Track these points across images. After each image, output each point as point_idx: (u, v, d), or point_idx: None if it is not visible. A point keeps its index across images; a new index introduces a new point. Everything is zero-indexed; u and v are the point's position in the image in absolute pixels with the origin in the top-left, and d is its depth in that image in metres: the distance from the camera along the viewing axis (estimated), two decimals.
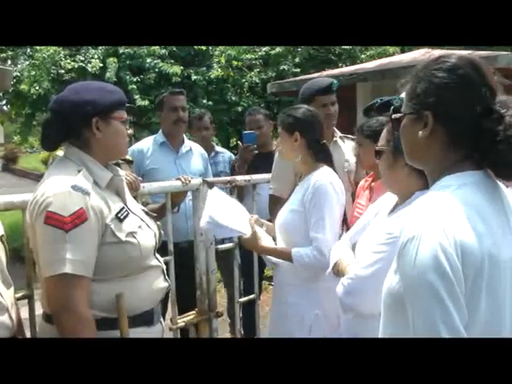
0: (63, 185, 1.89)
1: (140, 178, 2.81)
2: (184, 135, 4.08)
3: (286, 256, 2.66)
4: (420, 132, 1.35)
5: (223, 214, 2.80)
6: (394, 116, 1.49)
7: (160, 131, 4.06)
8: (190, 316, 3.17)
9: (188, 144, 4.05)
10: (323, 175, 2.67)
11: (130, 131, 2.18)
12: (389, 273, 1.34)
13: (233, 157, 4.56)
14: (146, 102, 8.82)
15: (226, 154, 4.57)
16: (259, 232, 2.82)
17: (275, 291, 2.92)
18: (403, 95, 1.46)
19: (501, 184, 1.38)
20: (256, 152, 4.15)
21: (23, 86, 8.70)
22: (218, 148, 4.76)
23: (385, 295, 1.36)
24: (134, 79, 8.98)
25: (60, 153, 2.14)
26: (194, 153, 4.06)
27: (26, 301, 2.41)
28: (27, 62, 9.36)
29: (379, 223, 2.17)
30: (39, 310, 2.01)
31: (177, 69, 8.85)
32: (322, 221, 2.60)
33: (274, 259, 2.80)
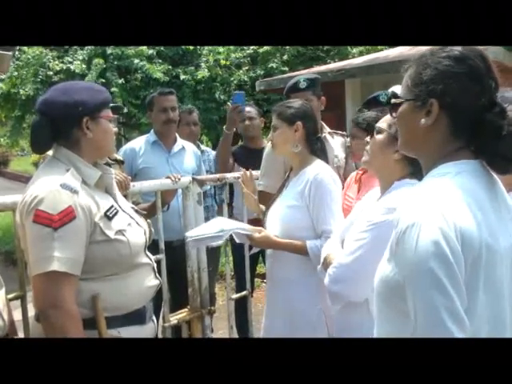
0: (52, 184, 1.90)
1: (129, 177, 2.82)
2: (176, 134, 4.08)
3: (300, 249, 2.63)
4: (422, 120, 1.33)
5: (202, 228, 2.80)
6: (393, 101, 1.45)
7: (152, 130, 4.06)
8: (183, 313, 3.18)
9: (180, 143, 4.05)
10: (321, 168, 2.69)
11: (116, 129, 2.19)
12: (381, 262, 1.34)
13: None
14: (129, 108, 8.79)
15: (211, 153, 4.57)
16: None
17: (271, 287, 2.91)
18: (392, 88, 1.45)
19: (495, 175, 1.38)
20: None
21: (9, 88, 8.67)
22: (203, 147, 4.76)
23: (378, 286, 1.34)
24: (119, 81, 8.95)
25: (49, 153, 2.14)
26: (187, 151, 4.06)
27: (18, 302, 2.42)
28: (14, 64, 9.32)
29: (364, 216, 2.19)
30: (32, 311, 2.02)
31: (160, 74, 8.84)
32: (330, 213, 2.61)
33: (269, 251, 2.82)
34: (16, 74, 8.75)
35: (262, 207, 3.01)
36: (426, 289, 1.16)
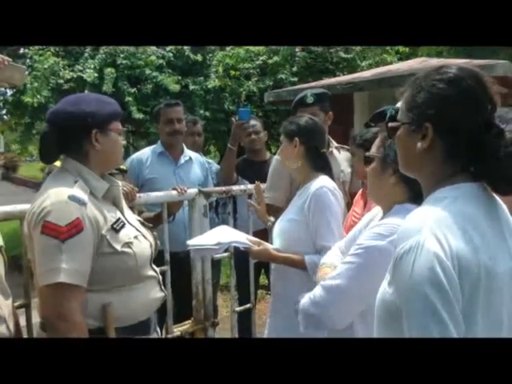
0: (60, 195, 1.92)
1: (136, 189, 2.84)
2: (184, 145, 4.10)
3: (298, 263, 2.63)
4: (418, 143, 1.33)
5: (204, 237, 2.81)
6: (390, 125, 1.45)
7: (159, 141, 4.08)
8: (186, 325, 3.19)
9: (188, 154, 4.07)
10: (322, 183, 2.69)
11: (124, 142, 2.21)
12: (382, 284, 1.33)
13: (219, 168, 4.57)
14: (141, 115, 8.83)
15: (213, 165, 4.58)
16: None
17: (274, 301, 2.91)
18: (399, 104, 1.44)
19: (496, 197, 1.37)
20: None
21: (28, 99, 8.71)
22: (206, 159, 4.77)
23: (378, 309, 1.34)
24: (132, 90, 8.99)
25: (57, 163, 2.15)
26: (194, 162, 4.08)
27: (23, 310, 2.44)
28: (26, 73, 9.39)
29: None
30: (36, 319, 2.03)
31: (174, 85, 8.87)
32: (328, 228, 2.61)
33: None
34: (36, 84, 8.78)
35: (272, 219, 3.02)
36: (421, 315, 1.16)
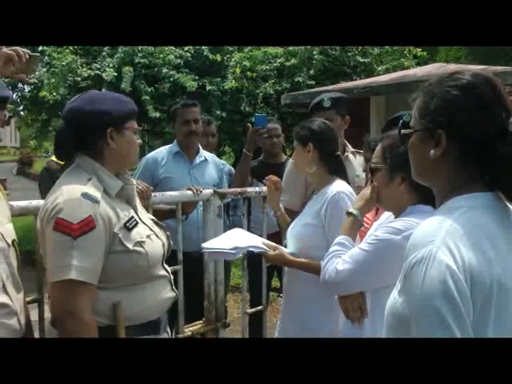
0: (73, 193, 1.92)
1: (151, 188, 2.83)
2: (199, 145, 4.10)
3: (314, 269, 2.56)
4: (432, 151, 1.30)
5: (219, 240, 2.80)
6: (402, 131, 1.43)
7: (175, 141, 4.08)
8: (197, 326, 3.18)
9: (203, 154, 4.07)
10: (339, 188, 2.68)
11: (140, 141, 2.21)
12: (392, 293, 1.31)
13: (232, 170, 4.56)
14: (158, 114, 8.84)
15: (226, 166, 4.58)
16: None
17: (286, 303, 2.91)
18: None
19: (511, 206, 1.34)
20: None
21: (44, 93, 8.77)
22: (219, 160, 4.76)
23: (388, 316, 1.32)
24: (149, 89, 9.01)
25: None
26: (210, 163, 4.08)
27: (35, 305, 2.44)
28: (44, 69, 9.45)
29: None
30: (49, 314, 2.04)
31: (192, 82, 8.87)
32: None
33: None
34: (53, 80, 8.83)
35: (288, 218, 3.01)
36: (431, 327, 1.14)
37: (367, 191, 2.29)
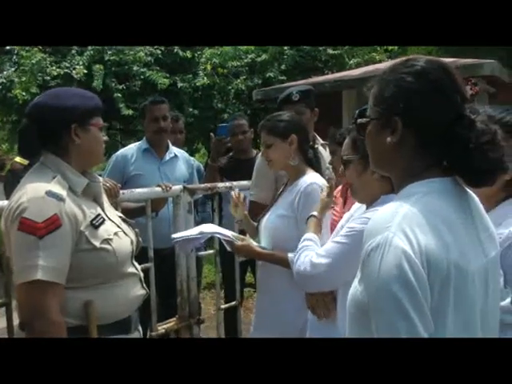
0: (37, 191, 1.89)
1: (119, 185, 2.81)
2: (169, 142, 4.08)
3: (281, 261, 2.56)
4: (388, 138, 1.29)
5: (187, 232, 2.83)
6: (359, 121, 1.42)
7: (144, 138, 4.07)
8: (171, 323, 3.16)
9: (173, 151, 4.06)
10: (312, 179, 2.68)
11: (106, 138, 2.18)
12: (353, 282, 1.30)
13: (201, 166, 4.53)
14: (130, 112, 8.78)
15: (194, 163, 4.57)
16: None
17: (260, 298, 2.91)
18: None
19: (469, 191, 1.34)
20: (228, 145, 4.18)
21: (18, 91, 8.64)
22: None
23: (349, 305, 1.32)
24: (120, 87, 8.94)
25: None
26: (180, 159, 4.08)
27: (3, 310, 2.40)
28: (13, 69, 9.33)
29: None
30: (17, 319, 2.00)
31: (163, 79, 8.82)
32: None
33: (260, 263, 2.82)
34: (24, 79, 8.71)
35: (254, 223, 3.00)
36: (388, 313, 1.14)
37: (324, 193, 2.44)
